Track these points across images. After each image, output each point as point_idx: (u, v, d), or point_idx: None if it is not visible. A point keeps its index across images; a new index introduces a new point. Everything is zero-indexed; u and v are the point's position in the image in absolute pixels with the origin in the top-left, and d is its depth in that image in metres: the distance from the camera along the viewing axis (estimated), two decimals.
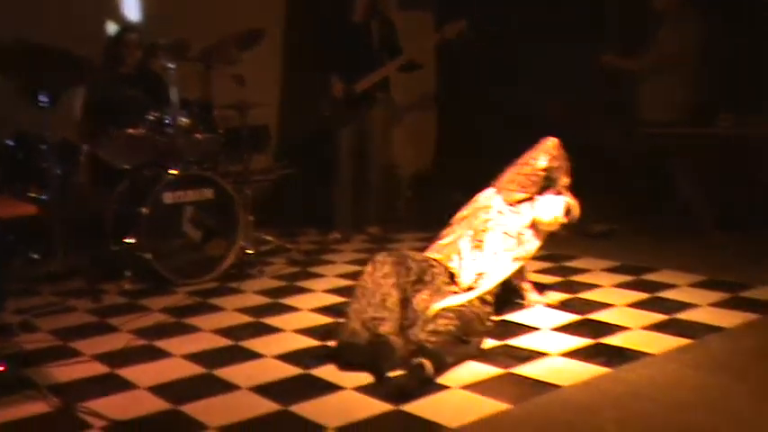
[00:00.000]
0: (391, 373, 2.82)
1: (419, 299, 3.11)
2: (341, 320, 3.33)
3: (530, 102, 5.68)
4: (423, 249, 3.62)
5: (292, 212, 5.77)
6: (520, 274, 3.60)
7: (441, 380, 2.80)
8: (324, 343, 3.28)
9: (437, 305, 3.07)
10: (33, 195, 4.22)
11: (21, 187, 4.23)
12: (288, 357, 3.11)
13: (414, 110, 6.33)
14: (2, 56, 4.04)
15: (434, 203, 5.60)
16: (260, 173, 5.49)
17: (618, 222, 5.16)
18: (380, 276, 3.09)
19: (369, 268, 3.17)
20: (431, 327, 2.94)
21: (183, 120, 4.47)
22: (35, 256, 4.32)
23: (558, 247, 4.81)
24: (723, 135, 4.66)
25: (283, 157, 5.95)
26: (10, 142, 4.36)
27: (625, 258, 4.47)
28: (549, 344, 3.17)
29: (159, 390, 2.82)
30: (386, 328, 2.90)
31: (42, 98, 4.05)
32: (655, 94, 5.11)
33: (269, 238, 4.99)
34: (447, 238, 3.54)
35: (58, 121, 4.36)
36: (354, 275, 4.40)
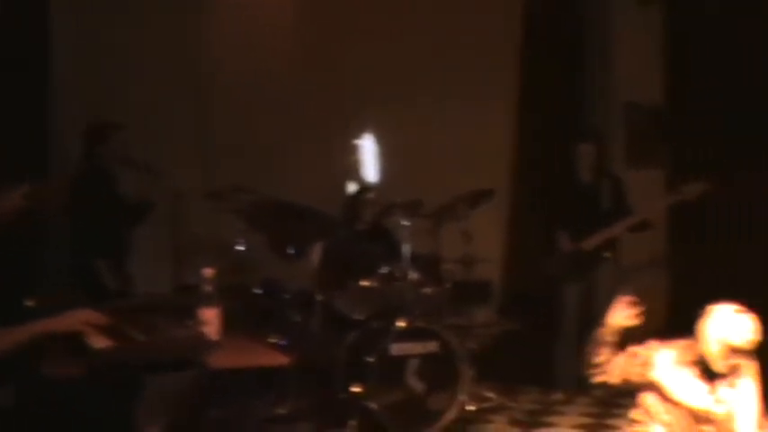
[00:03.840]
0: None
1: None
2: None
3: None
4: None
5: (513, 368, 5.65)
6: None
7: None
8: None
9: None
10: (273, 341, 4.52)
11: (263, 333, 4.56)
12: None
13: (642, 270, 6.10)
14: (259, 214, 4.51)
15: None
16: (482, 327, 5.50)
17: None
18: None
19: None
20: None
21: (413, 274, 4.65)
22: (268, 398, 4.57)
23: None
24: None
25: (506, 312, 5.93)
26: (257, 290, 4.77)
27: None
28: None
29: None
30: None
31: (290, 250, 4.43)
32: None
33: (490, 394, 4.91)
34: None
35: (299, 272, 4.72)
36: None
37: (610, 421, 4.47)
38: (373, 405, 4.25)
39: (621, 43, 6.34)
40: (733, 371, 2.77)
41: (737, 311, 2.81)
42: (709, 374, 2.85)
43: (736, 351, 2.75)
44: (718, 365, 2.80)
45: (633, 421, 3.03)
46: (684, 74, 6.24)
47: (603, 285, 5.23)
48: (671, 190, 5.29)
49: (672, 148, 6.30)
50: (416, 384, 4.43)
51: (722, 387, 2.81)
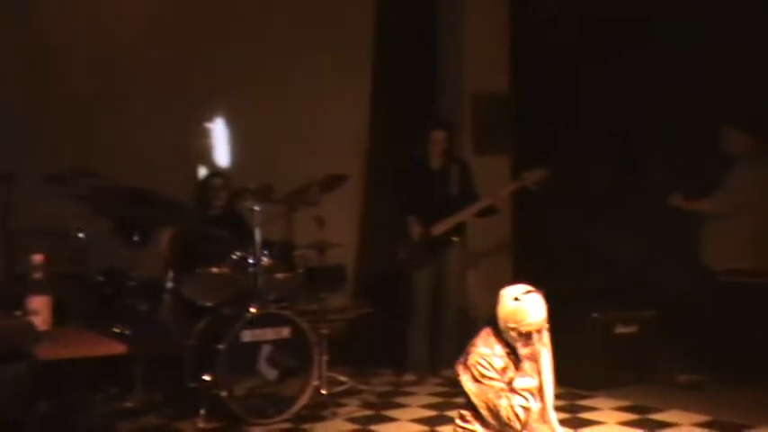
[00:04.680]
0: None
1: None
2: None
3: (605, 243, 5.67)
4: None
5: (367, 352, 5.73)
6: None
7: None
8: None
9: None
10: (118, 331, 4.34)
11: (106, 323, 4.37)
12: None
13: (489, 254, 6.36)
14: (102, 199, 4.30)
15: None
16: (336, 312, 5.53)
17: (707, 372, 4.91)
18: None
19: None
20: None
21: (265, 259, 4.60)
22: (114, 391, 4.39)
23: (643, 398, 4.62)
24: None
25: (359, 297, 5.99)
26: (100, 278, 4.56)
27: (718, 413, 4.22)
28: None
29: None
30: None
31: (136, 237, 4.26)
32: (724, 238, 5.00)
33: (343, 378, 4.95)
34: None
35: (147, 259, 4.55)
36: (429, 420, 4.31)
37: (457, 399, 4.61)
38: (223, 393, 4.18)
39: (471, 33, 6.54)
40: (531, 348, 2.87)
41: (525, 293, 2.88)
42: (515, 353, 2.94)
43: (529, 330, 2.86)
44: (518, 346, 2.90)
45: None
46: (528, 64, 6.53)
47: (453, 269, 5.41)
48: (515, 177, 5.54)
49: (516, 137, 6.59)
50: (269, 371, 4.41)
51: (527, 364, 2.90)
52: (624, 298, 5.33)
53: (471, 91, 6.50)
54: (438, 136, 5.43)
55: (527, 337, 2.87)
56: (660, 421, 4.16)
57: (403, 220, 5.40)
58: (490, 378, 2.87)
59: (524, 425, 2.83)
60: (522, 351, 2.88)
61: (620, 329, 5.12)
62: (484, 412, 2.90)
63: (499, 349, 2.91)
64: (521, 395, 2.83)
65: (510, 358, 2.91)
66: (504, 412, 2.82)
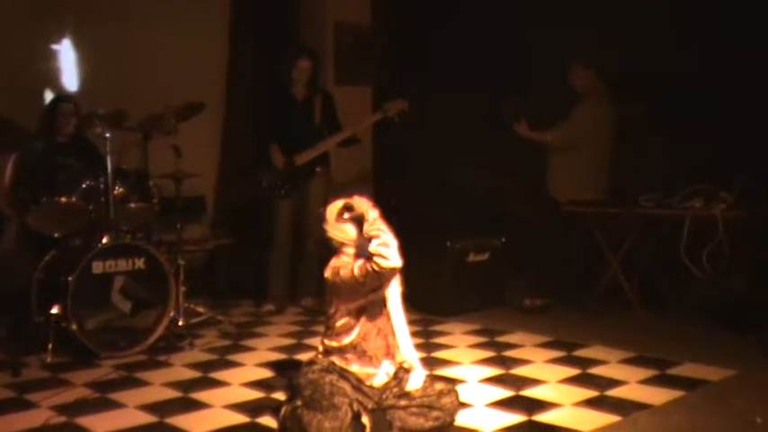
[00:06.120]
0: None
1: None
2: (272, 395, 3.25)
3: (460, 175, 5.84)
4: None
5: (226, 283, 5.69)
6: None
7: None
8: (254, 420, 3.20)
9: None
10: None
11: None
12: None
13: (351, 184, 6.39)
14: None
15: None
16: (194, 243, 5.43)
17: (552, 297, 5.24)
18: None
19: None
20: None
21: (118, 189, 4.42)
22: None
23: (491, 322, 4.88)
24: (643, 215, 4.76)
25: (219, 228, 5.90)
26: None
27: (558, 334, 4.53)
28: (483, 420, 3.17)
29: None
30: None
31: None
32: (567, 171, 5.28)
33: (200, 309, 4.90)
34: None
35: None
36: (287, 349, 4.37)
37: (315, 328, 4.70)
38: (72, 326, 4.05)
39: None
40: (355, 210, 3.03)
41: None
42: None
43: (350, 210, 3.03)
44: (356, 241, 3.04)
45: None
46: None
47: (315, 199, 5.41)
48: (376, 108, 5.56)
49: (378, 68, 6.59)
50: (122, 303, 4.30)
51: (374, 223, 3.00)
52: (477, 227, 5.54)
53: (334, 20, 6.41)
54: (304, 65, 5.33)
55: (348, 208, 3.04)
56: (507, 343, 4.41)
57: (265, 150, 5.32)
58: (344, 261, 3.00)
59: (395, 258, 2.87)
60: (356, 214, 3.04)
61: (473, 257, 5.33)
62: (359, 285, 2.94)
63: (348, 259, 3.03)
64: (373, 236, 2.90)
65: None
66: (367, 263, 2.86)
